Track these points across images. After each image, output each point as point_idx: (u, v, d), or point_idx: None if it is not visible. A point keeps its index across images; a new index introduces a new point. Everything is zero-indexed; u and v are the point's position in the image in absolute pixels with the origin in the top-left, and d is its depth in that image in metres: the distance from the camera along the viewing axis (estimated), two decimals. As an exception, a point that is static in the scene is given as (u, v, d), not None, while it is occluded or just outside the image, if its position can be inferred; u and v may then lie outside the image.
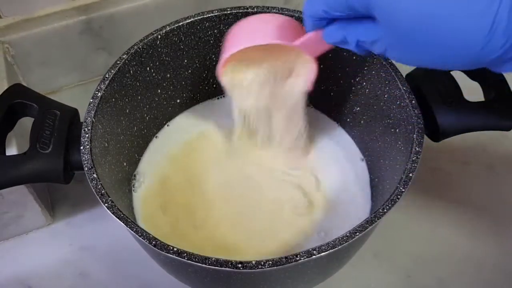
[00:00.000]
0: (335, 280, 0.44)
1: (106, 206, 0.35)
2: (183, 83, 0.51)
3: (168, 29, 0.46)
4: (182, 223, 0.45)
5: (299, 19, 0.46)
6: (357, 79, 0.47)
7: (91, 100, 0.40)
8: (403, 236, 0.49)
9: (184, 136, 0.52)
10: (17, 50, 0.55)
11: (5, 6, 0.52)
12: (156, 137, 0.52)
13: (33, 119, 0.41)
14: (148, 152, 0.50)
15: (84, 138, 0.38)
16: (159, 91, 0.49)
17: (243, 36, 0.39)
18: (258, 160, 0.49)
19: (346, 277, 0.46)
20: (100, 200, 0.35)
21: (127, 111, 0.46)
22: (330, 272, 0.42)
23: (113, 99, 0.43)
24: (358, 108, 0.49)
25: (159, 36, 0.45)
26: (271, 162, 0.49)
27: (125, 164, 0.46)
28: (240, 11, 0.47)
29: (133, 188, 0.47)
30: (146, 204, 0.47)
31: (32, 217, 0.48)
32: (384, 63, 0.43)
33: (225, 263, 0.31)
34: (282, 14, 0.45)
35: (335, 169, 0.49)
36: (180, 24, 0.46)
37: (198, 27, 0.47)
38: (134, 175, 0.48)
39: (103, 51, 0.60)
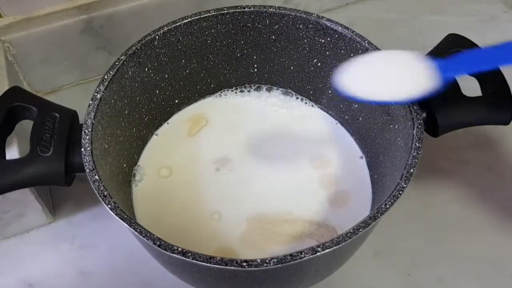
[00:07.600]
0: (335, 278, 0.45)
1: (109, 208, 0.35)
2: (181, 83, 0.51)
3: (166, 29, 0.45)
4: (181, 218, 0.45)
5: (297, 18, 0.47)
6: (355, 76, 0.47)
7: (91, 102, 0.40)
8: (403, 235, 0.49)
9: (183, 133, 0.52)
10: (17, 49, 0.55)
11: (5, 5, 0.52)
12: (156, 134, 0.51)
13: (32, 121, 0.40)
14: (147, 149, 0.50)
15: (84, 140, 0.38)
16: (157, 91, 0.49)
17: None
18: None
19: (347, 276, 0.46)
20: (103, 202, 0.35)
21: (126, 112, 0.46)
22: (334, 268, 0.42)
23: (112, 101, 0.43)
24: (357, 105, 0.49)
25: (157, 37, 0.45)
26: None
27: (125, 165, 0.46)
28: (238, 10, 0.47)
29: (133, 185, 0.47)
30: (145, 201, 0.46)
31: (33, 216, 0.48)
32: (381, 60, 0.43)
33: (230, 262, 0.31)
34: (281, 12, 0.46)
35: (333, 168, 0.49)
36: (178, 24, 0.46)
37: (196, 27, 0.47)
38: (134, 174, 0.48)
39: (103, 50, 0.60)
